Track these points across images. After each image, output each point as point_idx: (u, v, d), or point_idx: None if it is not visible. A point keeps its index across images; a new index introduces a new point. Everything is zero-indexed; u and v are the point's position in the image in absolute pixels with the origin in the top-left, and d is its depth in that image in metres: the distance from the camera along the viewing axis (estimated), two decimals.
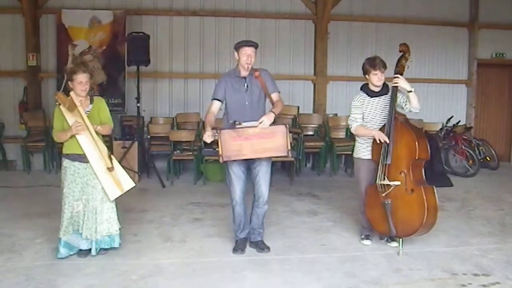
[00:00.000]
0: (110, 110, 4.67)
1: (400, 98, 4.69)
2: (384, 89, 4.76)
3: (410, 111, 4.74)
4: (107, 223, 4.43)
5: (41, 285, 3.88)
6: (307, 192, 7.27)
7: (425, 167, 4.66)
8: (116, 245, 4.50)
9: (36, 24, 8.92)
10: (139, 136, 8.02)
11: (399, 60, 4.74)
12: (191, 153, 8.04)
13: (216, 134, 4.37)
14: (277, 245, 4.82)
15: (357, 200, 5.08)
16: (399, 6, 9.88)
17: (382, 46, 9.39)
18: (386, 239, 4.89)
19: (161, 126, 8.77)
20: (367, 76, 4.73)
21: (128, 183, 4.47)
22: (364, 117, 4.78)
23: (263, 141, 4.38)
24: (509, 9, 10.14)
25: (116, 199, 4.45)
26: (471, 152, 8.99)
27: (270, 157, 4.66)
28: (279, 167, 8.83)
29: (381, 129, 4.65)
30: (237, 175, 4.57)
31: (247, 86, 4.56)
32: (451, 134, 9.28)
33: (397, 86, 4.62)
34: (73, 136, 4.31)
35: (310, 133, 9.13)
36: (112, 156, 4.43)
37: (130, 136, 8.14)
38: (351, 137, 5.08)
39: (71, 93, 4.31)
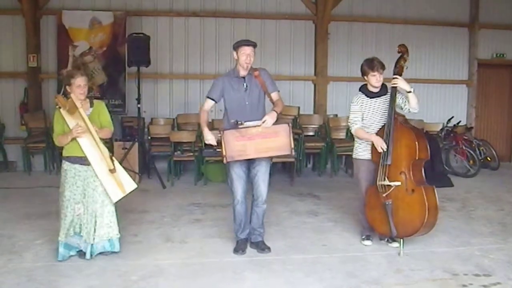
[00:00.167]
0: (110, 112, 4.66)
1: (399, 99, 4.69)
2: (383, 90, 4.76)
3: (409, 112, 4.75)
4: (107, 227, 4.41)
5: (42, 286, 3.87)
6: (307, 193, 7.27)
7: (426, 167, 4.66)
8: (116, 249, 4.49)
9: (37, 25, 8.93)
10: (139, 137, 8.02)
11: (398, 61, 4.75)
12: (191, 154, 8.04)
13: (219, 135, 4.37)
14: (278, 246, 4.82)
15: (357, 200, 5.07)
16: (400, 7, 9.89)
17: (382, 46, 9.41)
18: (387, 239, 4.88)
19: (162, 127, 8.78)
20: (365, 77, 4.74)
21: (130, 184, 4.45)
22: (364, 118, 4.78)
23: (266, 140, 4.38)
24: (510, 9, 10.15)
25: (118, 201, 4.44)
26: (471, 152, 8.99)
27: (270, 157, 4.66)
28: (279, 167, 8.84)
29: (381, 130, 4.65)
30: (238, 175, 4.58)
31: (246, 86, 4.56)
32: (452, 135, 9.28)
33: (396, 87, 4.62)
34: (74, 138, 4.30)
35: (311, 133, 9.14)
36: (113, 158, 4.42)
37: (130, 137, 8.15)
38: (351, 137, 5.08)
39: (72, 94, 4.29)
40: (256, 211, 4.70)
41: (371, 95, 4.76)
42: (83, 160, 4.33)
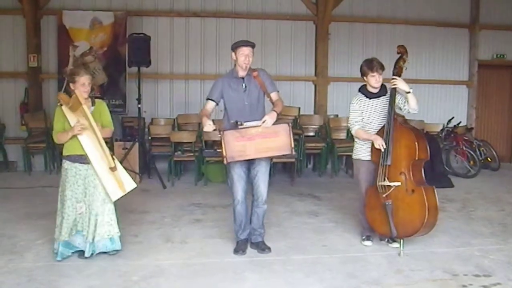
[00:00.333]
0: (110, 112, 4.67)
1: (398, 99, 4.69)
2: (382, 91, 4.77)
3: (409, 112, 4.76)
4: (108, 225, 4.40)
5: (42, 286, 3.87)
6: (308, 193, 7.28)
7: (426, 168, 4.66)
8: (118, 247, 4.49)
9: (37, 25, 8.94)
10: (140, 137, 8.02)
11: (397, 62, 4.76)
12: (192, 154, 8.04)
13: (219, 135, 4.36)
14: (278, 246, 4.82)
15: (358, 201, 5.07)
16: (400, 7, 9.90)
17: (383, 47, 9.41)
18: (387, 240, 4.88)
19: (162, 127, 8.78)
20: (365, 78, 4.74)
21: (129, 184, 4.46)
22: (363, 118, 4.78)
23: (267, 140, 4.38)
24: (510, 10, 10.16)
25: (117, 200, 4.44)
26: (472, 153, 8.99)
27: (270, 157, 4.67)
28: (280, 168, 8.84)
29: (381, 130, 4.65)
30: (239, 175, 4.58)
31: (245, 87, 4.56)
32: (452, 135, 9.29)
33: (395, 88, 4.62)
34: (73, 136, 4.29)
35: (311, 134, 9.14)
36: (114, 157, 4.42)
37: (131, 137, 8.16)
38: (352, 138, 5.09)
39: (76, 91, 4.28)
40: (257, 211, 4.70)
41: (370, 95, 4.76)
42: (83, 159, 4.33)
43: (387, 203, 4.53)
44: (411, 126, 4.87)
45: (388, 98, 4.67)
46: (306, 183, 8.00)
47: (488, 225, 5.66)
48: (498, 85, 10.64)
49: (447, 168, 8.78)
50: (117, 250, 4.48)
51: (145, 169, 8.19)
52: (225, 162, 4.39)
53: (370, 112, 4.75)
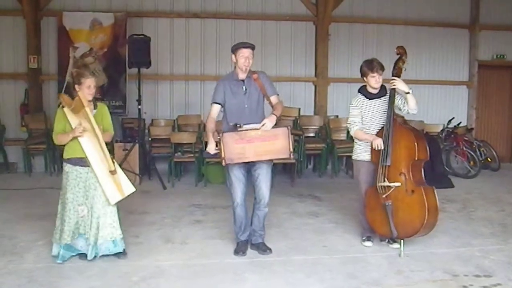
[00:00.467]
0: (110, 113, 4.66)
1: (398, 100, 4.70)
2: (382, 91, 4.77)
3: (408, 113, 4.76)
4: (110, 227, 4.39)
5: (42, 287, 3.87)
6: (308, 194, 7.28)
7: (426, 168, 4.67)
8: (120, 249, 4.47)
9: (37, 27, 8.95)
10: (140, 138, 8.02)
11: (396, 63, 4.76)
12: (192, 155, 8.04)
13: (219, 137, 4.36)
14: (279, 247, 4.82)
15: (358, 201, 5.07)
16: (400, 8, 9.90)
17: (383, 47, 9.40)
18: (387, 240, 4.88)
19: (162, 128, 8.79)
20: (365, 78, 4.75)
21: (128, 187, 4.44)
22: (363, 119, 4.79)
23: (265, 143, 4.38)
24: (510, 10, 10.15)
25: (116, 203, 4.43)
26: (472, 153, 9.00)
27: (271, 160, 4.66)
28: (280, 169, 8.83)
29: (380, 131, 4.65)
30: (238, 177, 4.57)
31: (245, 89, 4.55)
32: (452, 136, 9.29)
33: (395, 88, 4.63)
34: (74, 138, 4.29)
35: (311, 134, 9.14)
36: (114, 160, 4.41)
37: (131, 138, 8.15)
38: (352, 139, 5.09)
39: (79, 93, 4.28)
40: (258, 214, 4.70)
41: (370, 96, 4.77)
42: (83, 162, 4.32)
43: (387, 204, 4.53)
44: (411, 127, 4.87)
45: (388, 98, 4.67)
46: (306, 184, 8.00)
47: (488, 226, 5.66)
48: (498, 85, 10.64)
49: (447, 169, 8.78)
50: (120, 252, 4.47)
51: (145, 170, 8.19)
52: (223, 163, 4.39)
53: (370, 113, 4.76)
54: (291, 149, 4.46)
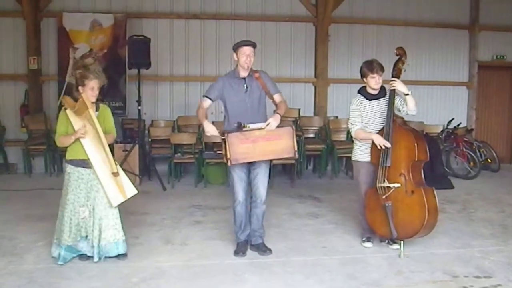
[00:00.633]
0: (112, 114, 4.67)
1: (397, 101, 4.70)
2: (382, 92, 4.78)
3: (407, 114, 4.77)
4: (113, 229, 4.38)
5: None
6: (308, 195, 7.28)
7: (426, 169, 4.66)
8: (122, 251, 4.46)
9: (37, 28, 8.95)
10: (140, 139, 8.02)
11: (396, 64, 4.78)
12: (192, 156, 8.04)
13: (223, 138, 4.35)
14: (278, 248, 4.82)
15: (358, 202, 5.07)
16: (400, 9, 9.90)
17: (382, 48, 9.40)
18: (387, 241, 4.88)
19: (162, 129, 8.79)
20: (364, 79, 4.75)
21: (131, 189, 4.43)
22: (363, 120, 4.79)
23: (270, 143, 4.38)
24: (510, 11, 10.15)
25: (118, 205, 4.43)
26: (472, 154, 9.00)
27: (271, 159, 4.67)
28: (280, 169, 8.83)
29: (380, 132, 4.66)
30: (240, 176, 4.59)
31: (246, 87, 4.56)
32: (452, 136, 9.29)
33: (394, 89, 4.63)
34: (76, 140, 4.29)
35: (311, 135, 9.15)
36: (116, 162, 4.41)
37: (131, 139, 8.15)
38: (352, 139, 5.09)
39: (83, 95, 4.28)
40: (256, 212, 4.71)
41: (370, 97, 4.77)
42: (86, 163, 4.32)
43: (387, 205, 4.53)
44: (411, 128, 4.88)
45: (388, 99, 4.68)
46: (306, 185, 8.00)
47: (488, 226, 5.66)
48: (498, 86, 10.64)
49: (447, 169, 8.77)
50: (122, 254, 4.47)
51: (145, 171, 8.19)
52: (229, 164, 4.38)
53: (369, 114, 4.76)
54: (296, 148, 4.46)
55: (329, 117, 9.44)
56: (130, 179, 4.55)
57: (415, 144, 4.50)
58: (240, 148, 4.35)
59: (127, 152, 7.67)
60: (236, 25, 9.45)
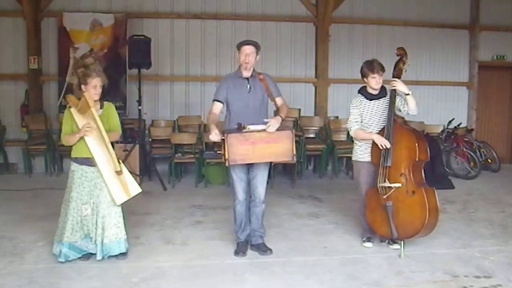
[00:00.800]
0: (119, 114, 4.67)
1: (398, 101, 4.70)
2: (382, 92, 4.78)
3: (408, 114, 4.78)
4: (115, 228, 4.38)
5: None
6: (308, 195, 7.28)
7: (426, 169, 4.66)
8: (123, 250, 4.46)
9: (38, 27, 8.94)
10: (140, 139, 8.02)
11: (396, 64, 4.78)
12: (192, 156, 8.04)
13: (223, 138, 4.36)
14: (279, 248, 4.82)
15: (358, 202, 5.07)
16: (400, 9, 9.90)
17: (383, 48, 9.39)
18: (387, 241, 4.88)
19: (163, 129, 8.79)
20: (365, 79, 4.76)
21: (135, 188, 4.44)
22: (363, 120, 4.79)
23: (269, 145, 4.37)
24: (510, 11, 10.15)
25: (122, 204, 4.42)
26: (472, 154, 8.99)
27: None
28: (280, 169, 8.83)
29: (380, 132, 4.66)
30: (239, 177, 4.60)
31: (249, 88, 4.57)
32: (453, 136, 9.29)
33: (395, 89, 4.63)
34: (81, 139, 4.29)
35: (312, 135, 9.15)
36: (120, 161, 4.40)
37: (131, 139, 8.14)
38: (352, 139, 5.09)
39: (85, 93, 4.29)
40: (255, 211, 4.71)
41: (370, 97, 4.77)
42: (90, 161, 4.33)
43: (387, 205, 4.53)
44: (411, 128, 4.87)
45: (388, 99, 4.68)
46: (307, 185, 8.00)
47: (488, 227, 5.65)
48: (498, 86, 10.64)
49: (447, 170, 8.77)
50: (123, 254, 4.47)
51: (145, 171, 8.19)
52: (227, 164, 4.39)
53: (369, 114, 4.76)
54: (295, 152, 4.46)
55: (329, 117, 9.44)
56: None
57: (416, 144, 4.50)
58: (239, 149, 4.34)
59: (127, 152, 7.67)
60: (236, 25, 9.44)
